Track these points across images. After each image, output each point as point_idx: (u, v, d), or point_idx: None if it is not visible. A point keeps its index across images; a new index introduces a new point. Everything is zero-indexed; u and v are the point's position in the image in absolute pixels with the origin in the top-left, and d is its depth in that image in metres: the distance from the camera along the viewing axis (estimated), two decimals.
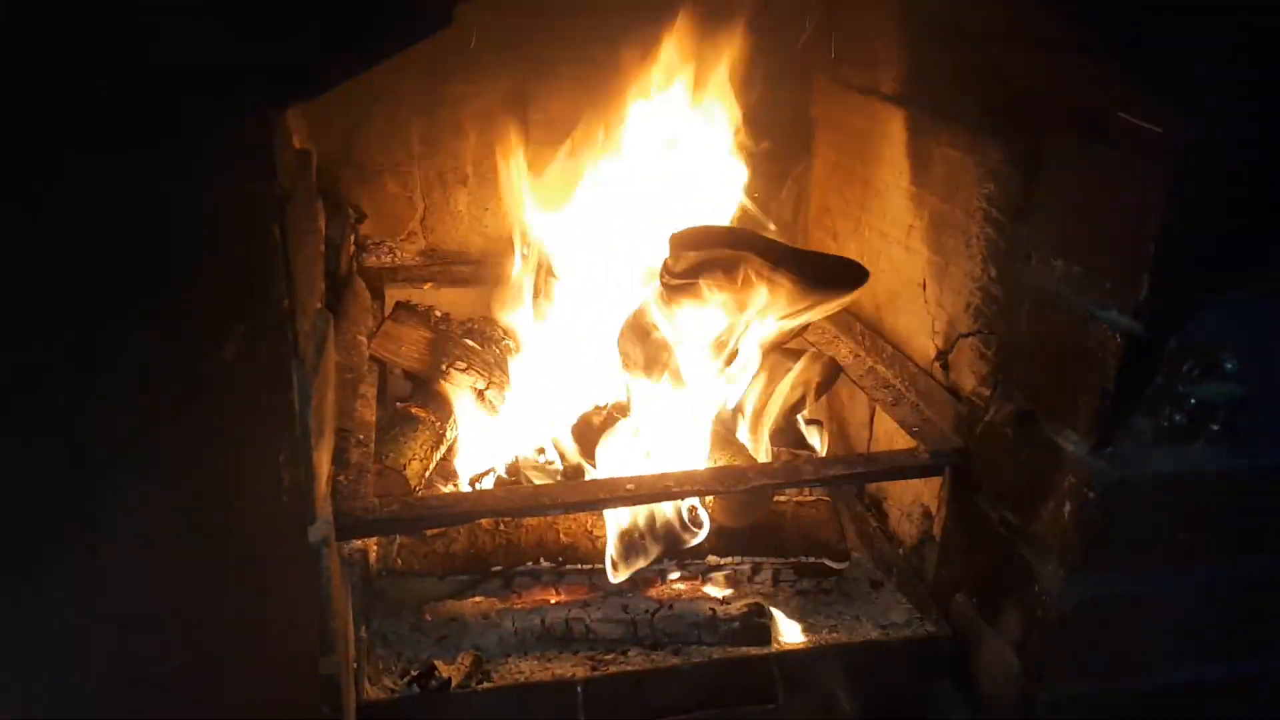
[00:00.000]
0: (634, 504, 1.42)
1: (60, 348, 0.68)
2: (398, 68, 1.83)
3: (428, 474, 1.62)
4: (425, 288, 1.97)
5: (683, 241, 1.48)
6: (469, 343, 1.76)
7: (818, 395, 1.71)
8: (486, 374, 1.76)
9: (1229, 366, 1.12)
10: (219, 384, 0.77)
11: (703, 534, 1.50)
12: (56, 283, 0.69)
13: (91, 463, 0.66)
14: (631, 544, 1.48)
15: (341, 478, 1.28)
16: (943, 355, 1.53)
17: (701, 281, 1.47)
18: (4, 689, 0.64)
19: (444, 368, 1.74)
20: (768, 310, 1.49)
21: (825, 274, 1.50)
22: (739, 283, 1.45)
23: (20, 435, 0.68)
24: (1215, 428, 1.15)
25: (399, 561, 1.51)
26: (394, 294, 1.93)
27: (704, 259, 1.46)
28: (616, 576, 1.48)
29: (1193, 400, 1.13)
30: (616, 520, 1.48)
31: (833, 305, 1.54)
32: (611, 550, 1.49)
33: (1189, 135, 1.02)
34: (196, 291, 0.74)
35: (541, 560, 1.52)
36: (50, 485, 0.69)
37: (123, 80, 0.66)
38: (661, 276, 1.51)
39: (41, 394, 0.69)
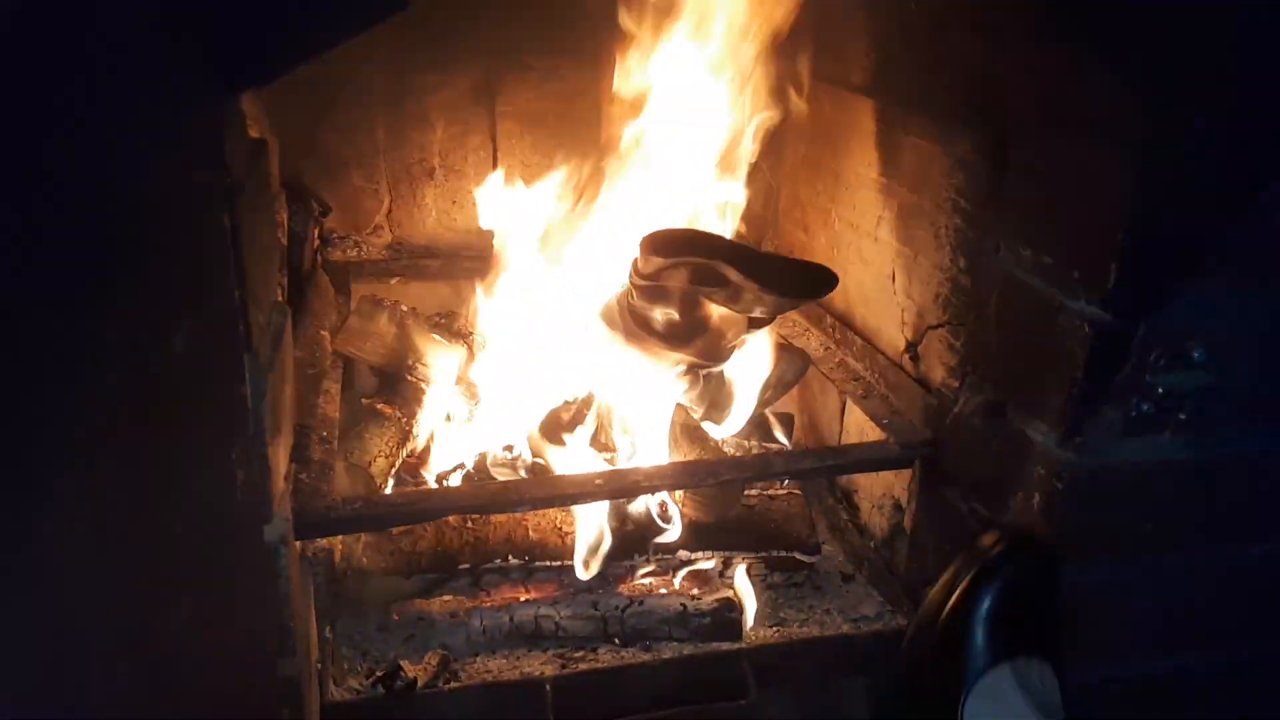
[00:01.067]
0: (602, 499, 1.41)
1: None
2: (362, 57, 1.81)
3: (394, 471, 1.59)
4: (392, 282, 1.94)
5: (652, 245, 1.47)
6: (436, 338, 1.74)
7: (787, 388, 1.70)
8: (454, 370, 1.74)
9: (1196, 356, 1.12)
10: (166, 378, 0.75)
11: (674, 529, 1.49)
12: None
13: (29, 461, 0.63)
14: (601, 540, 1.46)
15: (303, 475, 1.25)
16: (912, 347, 1.52)
17: (670, 286, 1.46)
18: None
19: (410, 363, 1.71)
20: (735, 313, 1.48)
21: (794, 280, 1.49)
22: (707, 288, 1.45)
23: None
24: (1183, 417, 1.15)
25: (364, 560, 1.48)
26: (360, 289, 1.90)
27: (673, 264, 1.45)
28: (587, 573, 1.46)
29: (1160, 389, 1.13)
30: (586, 516, 1.47)
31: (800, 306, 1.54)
32: (581, 547, 1.47)
33: (1155, 124, 1.01)
34: (141, 282, 0.71)
35: (510, 558, 1.50)
36: None
37: (59, 62, 0.64)
38: (630, 278, 1.50)
39: None
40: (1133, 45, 1.01)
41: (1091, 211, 1.10)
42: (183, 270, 0.78)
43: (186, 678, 0.84)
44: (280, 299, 1.27)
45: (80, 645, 0.68)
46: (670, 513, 1.49)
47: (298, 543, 1.17)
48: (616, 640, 1.43)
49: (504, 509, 1.38)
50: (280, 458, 1.06)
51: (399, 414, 1.64)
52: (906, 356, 1.54)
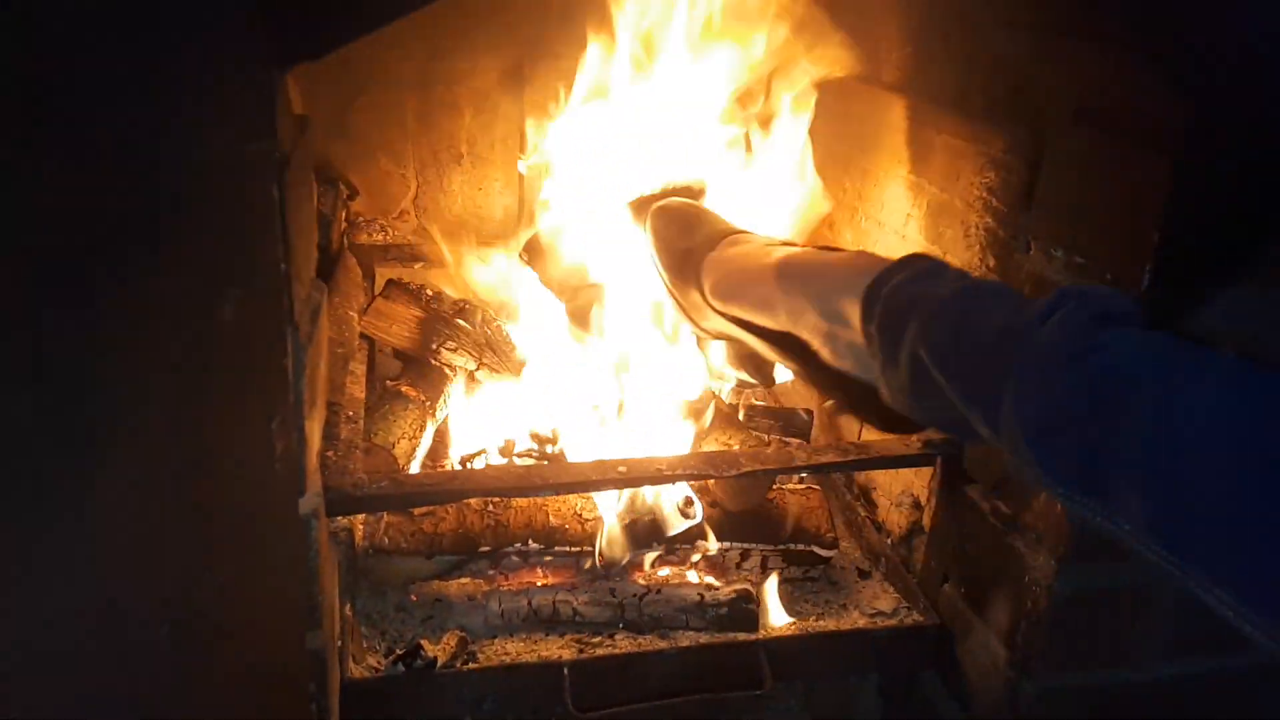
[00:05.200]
0: (625, 487, 1.41)
1: (57, 306, 0.66)
2: (393, 43, 1.82)
3: (416, 453, 1.60)
4: (417, 267, 1.95)
5: None
6: (460, 323, 1.75)
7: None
8: (477, 355, 1.74)
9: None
10: (215, 347, 0.76)
11: (696, 520, 1.49)
12: (50, 239, 0.67)
13: (89, 423, 0.64)
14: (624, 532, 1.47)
15: (330, 453, 1.26)
16: None
17: None
18: None
19: (434, 347, 1.72)
20: None
21: None
22: None
23: (10, 400, 0.66)
24: None
25: (385, 540, 1.49)
26: (385, 272, 1.91)
27: None
28: (605, 567, 1.47)
29: None
30: (608, 507, 1.48)
31: None
32: (601, 541, 1.48)
33: (1191, 125, 1.02)
34: (194, 250, 0.72)
35: (530, 542, 1.50)
36: (42, 451, 0.67)
37: (121, 27, 0.65)
38: None
39: (36, 355, 0.67)
40: (1172, 45, 1.01)
41: (1125, 213, 1.10)
42: (233, 240, 0.78)
43: (221, 644, 0.86)
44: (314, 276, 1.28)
45: (127, 607, 0.69)
46: (694, 508, 1.49)
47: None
48: (634, 627, 1.44)
49: (527, 493, 1.38)
50: (315, 433, 1.07)
51: (422, 397, 1.65)
52: None
